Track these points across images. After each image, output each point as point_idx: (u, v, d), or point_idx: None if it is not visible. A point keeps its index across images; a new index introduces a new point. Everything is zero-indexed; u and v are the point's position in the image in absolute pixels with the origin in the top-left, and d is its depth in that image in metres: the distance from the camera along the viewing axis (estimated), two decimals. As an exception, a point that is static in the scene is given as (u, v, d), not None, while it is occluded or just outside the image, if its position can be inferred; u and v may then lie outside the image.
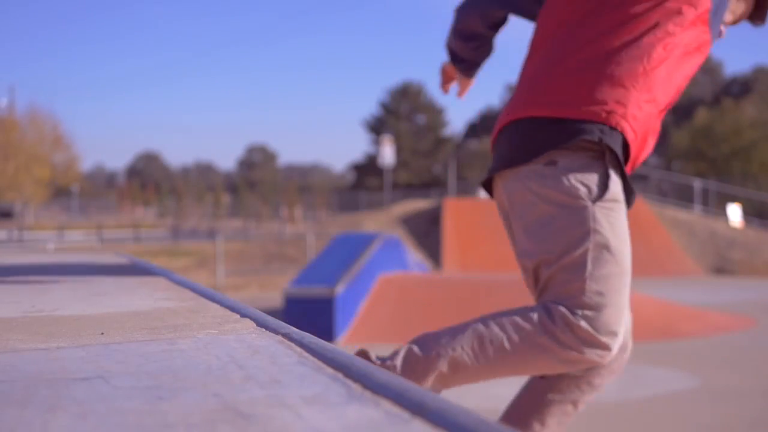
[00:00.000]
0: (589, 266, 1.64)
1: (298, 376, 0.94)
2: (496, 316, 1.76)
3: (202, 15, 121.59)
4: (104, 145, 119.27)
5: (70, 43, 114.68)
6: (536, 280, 1.76)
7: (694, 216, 19.51)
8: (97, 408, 0.80)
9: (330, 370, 0.96)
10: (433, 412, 0.75)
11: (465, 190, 34.65)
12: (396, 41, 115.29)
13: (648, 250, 16.30)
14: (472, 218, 17.60)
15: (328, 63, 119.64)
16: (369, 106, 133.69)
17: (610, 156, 1.69)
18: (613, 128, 1.67)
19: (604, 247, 1.65)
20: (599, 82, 1.70)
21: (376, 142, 45.46)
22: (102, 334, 1.27)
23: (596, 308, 1.63)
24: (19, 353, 1.12)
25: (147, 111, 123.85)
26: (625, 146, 1.72)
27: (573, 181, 1.67)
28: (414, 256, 13.78)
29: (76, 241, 30.33)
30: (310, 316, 8.35)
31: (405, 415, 0.76)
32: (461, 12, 2.06)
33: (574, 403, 1.84)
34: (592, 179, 1.67)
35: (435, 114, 52.17)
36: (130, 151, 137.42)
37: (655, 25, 1.71)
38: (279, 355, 1.07)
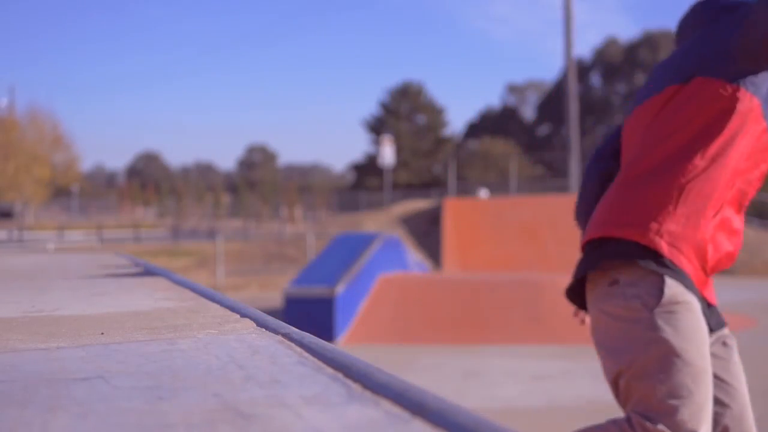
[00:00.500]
0: (657, 372, 1.71)
1: (298, 376, 0.94)
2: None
3: (202, 15, 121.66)
4: (104, 145, 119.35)
5: (70, 43, 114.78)
6: (617, 392, 1.82)
7: (694, 216, 19.47)
8: (97, 408, 0.80)
9: (330, 370, 0.96)
10: (433, 412, 0.75)
11: (465, 190, 34.65)
12: (396, 41, 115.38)
13: (648, 250, 16.24)
14: (472, 218, 17.61)
15: (328, 63, 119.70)
16: (369, 106, 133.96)
17: (665, 267, 1.76)
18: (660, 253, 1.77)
19: (670, 350, 1.71)
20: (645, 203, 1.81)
21: (376, 142, 45.44)
22: (102, 334, 1.27)
23: (671, 411, 1.69)
24: (19, 353, 1.12)
25: (147, 111, 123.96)
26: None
27: (630, 296, 1.76)
28: (414, 256, 13.79)
29: (76, 241, 30.34)
30: (310, 316, 8.35)
31: (405, 415, 0.76)
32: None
33: None
34: (649, 290, 1.75)
35: (435, 114, 52.17)
36: (130, 151, 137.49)
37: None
38: (279, 355, 1.07)
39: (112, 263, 2.96)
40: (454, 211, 18.04)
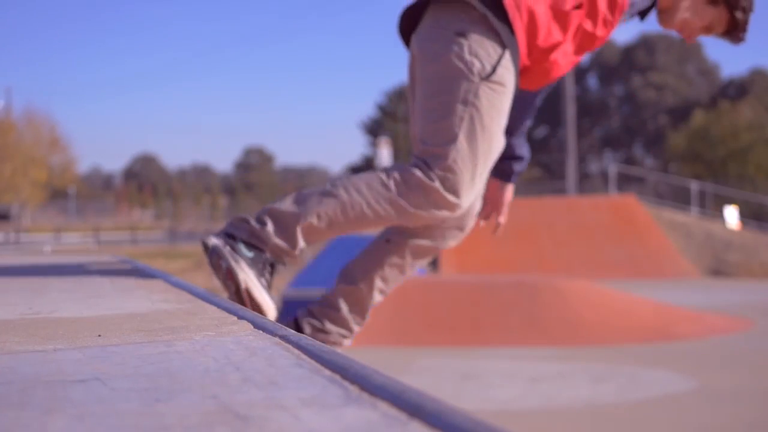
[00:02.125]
0: (460, 136, 1.80)
1: (295, 377, 0.94)
2: (357, 180, 1.88)
3: (200, 17, 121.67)
4: (101, 147, 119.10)
5: (67, 44, 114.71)
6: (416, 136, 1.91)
7: (691, 218, 19.54)
8: (95, 410, 0.80)
9: (327, 372, 0.96)
10: (431, 414, 0.75)
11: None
12: (393, 43, 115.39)
13: (645, 252, 16.31)
14: (470, 220, 17.59)
15: (326, 65, 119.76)
16: (366, 108, 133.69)
17: (507, 41, 1.80)
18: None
19: (479, 122, 1.80)
20: None
21: (373, 144, 45.47)
22: (99, 336, 1.27)
23: (452, 173, 1.80)
24: (16, 355, 1.12)
25: (144, 113, 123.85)
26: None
27: (471, 53, 1.79)
28: (411, 258, 13.76)
29: (73, 243, 30.31)
30: (307, 318, 8.34)
31: (402, 417, 0.76)
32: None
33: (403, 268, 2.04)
34: (487, 60, 1.80)
35: (432, 116, 52.17)
36: (127, 153, 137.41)
37: None
38: (276, 357, 1.07)
39: (110, 265, 2.96)
40: (451, 213, 18.02)
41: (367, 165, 48.40)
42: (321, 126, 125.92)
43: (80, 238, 33.22)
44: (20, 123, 40.92)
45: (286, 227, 1.85)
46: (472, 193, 1.84)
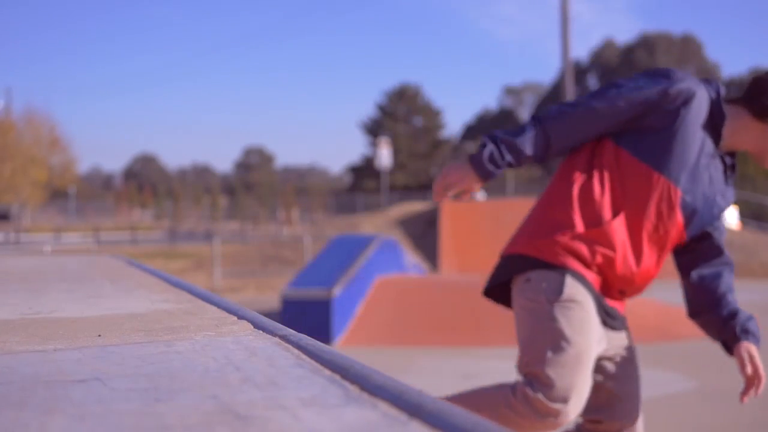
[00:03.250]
0: (547, 352, 2.07)
1: (295, 377, 0.94)
2: (472, 394, 2.24)
3: (199, 17, 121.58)
4: (101, 147, 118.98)
5: (67, 44, 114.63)
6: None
7: (691, 218, 19.48)
8: (95, 410, 0.80)
9: (327, 372, 0.96)
10: (431, 413, 0.75)
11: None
12: (393, 43, 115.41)
13: (645, 252, 16.26)
14: (470, 220, 17.61)
15: (325, 65, 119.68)
16: (366, 108, 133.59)
17: (570, 269, 2.14)
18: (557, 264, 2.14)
19: (561, 336, 2.07)
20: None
21: (373, 144, 45.46)
22: (99, 336, 1.27)
23: (550, 383, 2.05)
24: (16, 355, 1.12)
25: (144, 113, 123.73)
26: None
27: (539, 290, 2.14)
28: (411, 257, 13.79)
29: (73, 243, 30.28)
30: (307, 317, 8.34)
31: (402, 416, 0.76)
32: (563, 125, 2.19)
33: None
34: (552, 287, 2.12)
35: (432, 116, 52.17)
36: (127, 153, 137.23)
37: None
38: (276, 357, 1.07)
39: (109, 265, 2.95)
40: (451, 213, 18.05)
41: (367, 165, 48.40)
42: (321, 126, 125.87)
43: (80, 238, 33.20)
44: (20, 123, 40.90)
45: None
46: (575, 398, 2.07)
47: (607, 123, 2.13)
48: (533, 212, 2.27)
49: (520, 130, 2.14)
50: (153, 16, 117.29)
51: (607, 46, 55.05)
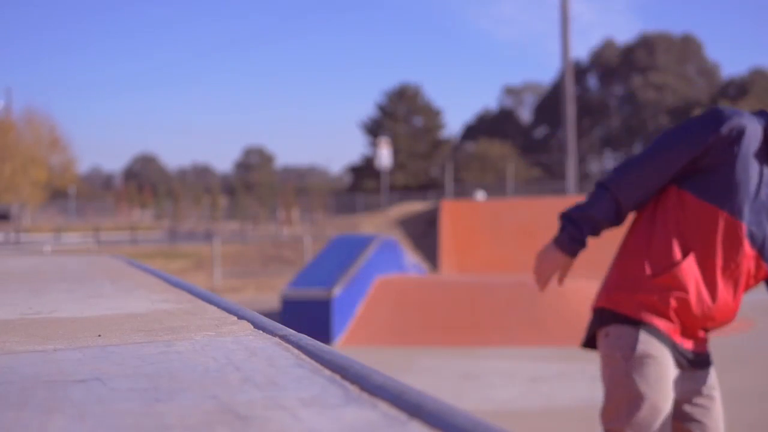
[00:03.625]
0: (625, 408, 2.18)
1: (295, 378, 0.94)
2: None
3: (199, 17, 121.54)
4: (101, 147, 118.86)
5: (67, 45, 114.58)
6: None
7: (691, 218, 19.47)
8: (95, 410, 0.80)
9: (327, 372, 0.96)
10: (431, 413, 0.75)
11: (462, 192, 34.65)
12: (393, 43, 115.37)
13: (645, 252, 16.24)
14: (470, 220, 17.61)
15: (325, 65, 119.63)
16: (366, 108, 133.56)
17: (644, 322, 2.22)
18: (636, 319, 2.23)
19: (637, 393, 2.17)
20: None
21: (373, 144, 45.45)
22: (99, 336, 1.27)
23: None
24: (16, 355, 1.12)
25: (144, 113, 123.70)
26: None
27: (616, 347, 2.23)
28: (411, 257, 13.78)
29: (73, 243, 30.28)
30: (307, 317, 8.35)
31: (402, 416, 0.76)
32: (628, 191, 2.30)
33: None
34: (627, 343, 2.21)
35: (432, 116, 52.16)
36: (127, 153, 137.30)
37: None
38: (276, 357, 1.07)
39: (109, 265, 2.96)
40: (451, 213, 18.05)
41: (367, 165, 48.40)
42: (321, 126, 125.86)
43: (80, 238, 33.20)
44: (20, 123, 40.92)
45: None
46: None
47: (666, 173, 2.22)
48: (612, 265, 2.36)
49: (590, 201, 2.28)
50: (153, 17, 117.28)
51: (607, 46, 55.05)
